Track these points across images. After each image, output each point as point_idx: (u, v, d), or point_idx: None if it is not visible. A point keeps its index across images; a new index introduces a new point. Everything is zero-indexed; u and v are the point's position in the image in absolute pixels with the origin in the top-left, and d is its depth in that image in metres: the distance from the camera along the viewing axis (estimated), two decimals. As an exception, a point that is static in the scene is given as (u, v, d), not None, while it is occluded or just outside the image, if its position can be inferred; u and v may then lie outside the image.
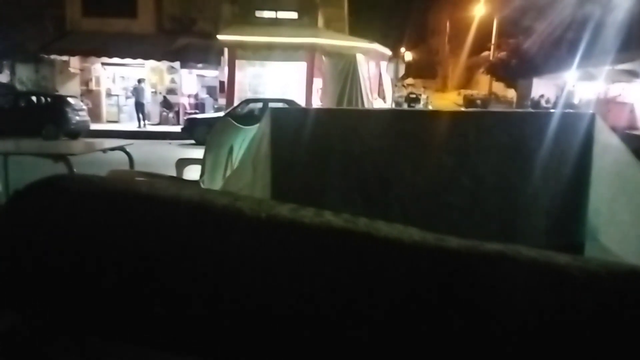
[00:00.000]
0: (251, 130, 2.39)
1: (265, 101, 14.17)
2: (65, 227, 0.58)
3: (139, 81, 17.61)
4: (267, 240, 0.56)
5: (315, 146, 2.06)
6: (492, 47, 28.92)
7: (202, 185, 2.89)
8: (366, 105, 16.53)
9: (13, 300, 0.58)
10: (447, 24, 46.47)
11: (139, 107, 17.22)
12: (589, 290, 0.49)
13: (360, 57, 16.83)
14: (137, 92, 17.30)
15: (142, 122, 17.22)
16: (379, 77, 19.43)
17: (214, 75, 18.80)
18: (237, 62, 16.87)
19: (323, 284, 0.54)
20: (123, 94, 19.28)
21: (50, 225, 0.58)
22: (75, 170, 3.02)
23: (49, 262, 0.57)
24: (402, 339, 0.51)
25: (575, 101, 18.57)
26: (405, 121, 2.21)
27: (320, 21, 19.06)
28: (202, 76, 19.71)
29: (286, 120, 2.09)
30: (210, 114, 16.64)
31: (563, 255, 0.55)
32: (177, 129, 15.72)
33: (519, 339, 0.49)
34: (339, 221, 0.59)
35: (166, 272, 0.56)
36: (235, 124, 2.83)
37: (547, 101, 20.63)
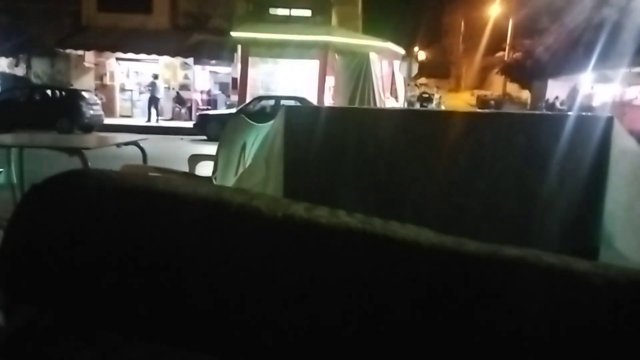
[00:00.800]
0: (264, 128, 2.39)
1: (278, 99, 14.19)
2: (83, 222, 0.58)
3: (155, 77, 17.74)
4: (284, 239, 0.56)
5: (329, 145, 2.05)
6: (507, 48, 28.68)
7: (215, 182, 2.89)
8: (378, 104, 16.49)
9: (29, 294, 0.58)
10: (462, 23, 46.16)
11: (154, 101, 17.36)
12: (610, 299, 0.48)
13: (373, 56, 16.79)
14: (153, 87, 17.43)
15: (153, 117, 17.34)
16: (392, 76, 19.37)
17: (227, 72, 18.88)
18: (250, 59, 16.92)
19: (339, 285, 0.53)
20: (137, 89, 19.44)
21: (68, 219, 0.58)
22: (89, 164, 3.04)
23: (66, 257, 0.57)
24: (418, 343, 0.51)
25: (595, 104, 18.25)
26: (420, 121, 2.19)
27: (334, 19, 19.03)
28: (215, 73, 19.80)
29: (300, 119, 2.09)
30: (222, 110, 16.71)
31: (583, 262, 0.54)
32: (190, 124, 15.81)
33: (538, 346, 0.48)
34: (355, 222, 0.58)
35: (183, 269, 0.56)
36: (249, 121, 2.83)
37: (562, 103, 20.42)
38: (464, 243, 0.56)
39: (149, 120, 17.24)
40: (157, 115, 17.55)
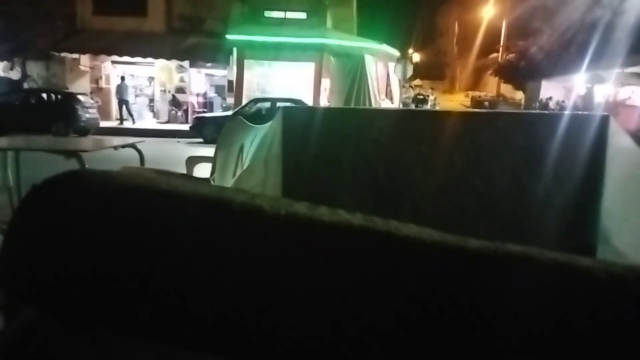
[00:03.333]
0: (262, 129, 2.39)
1: (274, 101, 14.19)
2: (85, 222, 0.58)
3: (122, 78, 17.72)
4: (287, 237, 0.56)
5: (327, 145, 2.06)
6: (500, 49, 28.79)
7: (213, 183, 2.89)
8: (374, 106, 16.50)
9: (30, 296, 0.58)
10: (456, 25, 46.30)
11: (123, 104, 17.34)
12: (615, 294, 0.48)
13: (368, 58, 16.81)
14: (120, 89, 17.39)
15: (123, 120, 17.30)
16: (387, 78, 19.40)
17: (223, 74, 18.87)
18: (245, 61, 16.91)
19: (343, 282, 0.53)
20: (132, 92, 19.40)
21: (70, 220, 0.58)
22: (86, 166, 3.03)
23: (68, 258, 0.57)
24: (423, 341, 0.51)
25: (595, 103, 18.03)
26: (417, 121, 2.20)
27: (329, 21, 19.06)
28: (211, 75, 19.78)
29: (298, 119, 2.09)
30: (218, 112, 16.70)
31: (586, 258, 0.54)
32: (186, 127, 15.79)
33: (544, 343, 0.48)
34: (357, 220, 0.58)
35: (186, 268, 0.56)
36: (247, 122, 2.83)
37: (557, 103, 20.50)
38: (467, 240, 0.56)
39: (121, 123, 17.19)
40: (132, 116, 17.49)
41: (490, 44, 32.88)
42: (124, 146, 3.79)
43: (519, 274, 0.50)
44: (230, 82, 17.77)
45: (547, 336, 0.47)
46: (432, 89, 38.20)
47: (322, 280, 0.52)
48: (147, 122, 18.50)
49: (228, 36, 16.63)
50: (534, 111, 12.67)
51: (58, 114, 14.03)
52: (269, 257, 0.53)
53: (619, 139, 1.97)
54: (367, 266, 0.52)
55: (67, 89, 17.45)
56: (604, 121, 2.02)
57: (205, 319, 0.53)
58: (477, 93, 35.86)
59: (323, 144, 2.05)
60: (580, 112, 2.47)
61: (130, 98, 17.93)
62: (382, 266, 0.52)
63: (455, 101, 36.98)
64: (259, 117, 9.29)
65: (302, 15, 18.41)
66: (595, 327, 0.45)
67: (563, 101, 20.86)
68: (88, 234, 0.56)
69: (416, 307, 0.50)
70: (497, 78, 29.01)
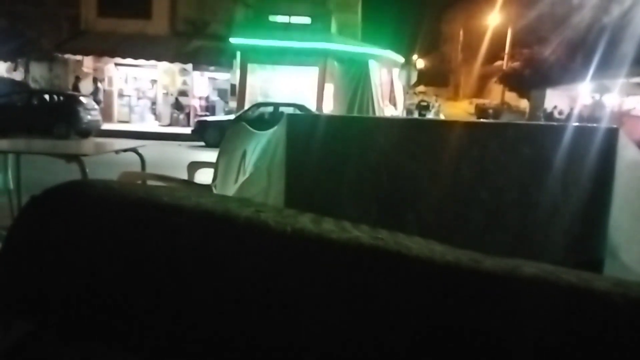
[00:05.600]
0: (264, 136, 2.37)
1: (276, 105, 14.21)
2: (83, 235, 0.56)
3: (95, 81, 17.91)
4: (294, 255, 0.54)
5: (331, 154, 2.03)
6: (505, 57, 28.83)
7: (215, 190, 2.87)
8: (377, 112, 16.53)
9: (28, 308, 0.56)
10: (461, 32, 46.44)
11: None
12: (631, 319, 0.46)
13: (372, 64, 16.84)
14: (96, 92, 17.46)
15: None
16: (391, 84, 19.43)
17: (226, 78, 18.92)
18: (249, 65, 16.96)
19: (352, 305, 0.51)
20: (135, 94, 19.47)
21: (68, 233, 0.56)
22: (87, 170, 3.01)
23: (66, 271, 0.55)
24: None
25: (602, 113, 17.84)
26: (423, 131, 2.18)
27: (334, 27, 19.11)
28: (214, 79, 19.85)
29: (302, 127, 2.06)
30: (220, 116, 16.72)
31: (603, 280, 0.52)
32: (188, 130, 15.81)
33: None
34: (366, 237, 0.56)
35: (187, 284, 0.54)
36: (250, 128, 2.81)
37: (560, 112, 20.50)
38: (479, 260, 0.54)
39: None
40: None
41: (495, 51, 32.95)
42: (125, 150, 3.77)
43: (533, 299, 0.48)
44: (233, 86, 17.81)
45: (561, 358, 0.45)
46: (436, 95, 38.21)
47: (330, 302, 0.50)
48: (148, 124, 18.53)
49: (232, 40, 16.67)
50: (541, 123, 12.69)
51: (60, 115, 14.06)
52: (275, 277, 0.51)
53: (628, 153, 1.94)
54: (376, 287, 0.50)
55: (70, 90, 17.49)
56: (613, 134, 1.99)
57: (206, 336, 0.51)
58: (481, 100, 35.90)
59: (327, 152, 2.03)
60: (589, 125, 2.45)
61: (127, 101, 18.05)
62: (392, 288, 0.50)
63: (459, 108, 37.04)
64: (261, 122, 9.30)
65: (307, 20, 18.46)
66: (610, 350, 0.44)
67: (555, 107, 20.83)
68: (85, 248, 0.54)
69: (427, 330, 0.48)
70: (501, 86, 29.06)
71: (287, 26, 18.16)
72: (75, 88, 17.41)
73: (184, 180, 3.10)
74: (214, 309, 0.53)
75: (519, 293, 0.50)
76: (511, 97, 29.37)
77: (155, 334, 0.54)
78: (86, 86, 18.56)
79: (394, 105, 19.70)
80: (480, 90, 41.39)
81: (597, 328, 0.46)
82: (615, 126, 2.04)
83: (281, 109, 13.46)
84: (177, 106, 18.95)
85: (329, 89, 16.87)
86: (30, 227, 0.58)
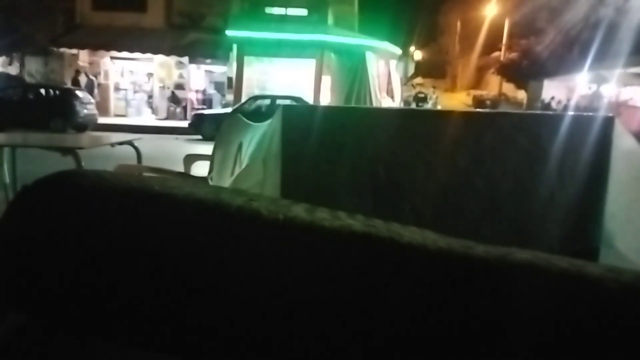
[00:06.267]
0: (261, 127, 2.36)
1: (273, 98, 14.18)
2: (75, 225, 0.55)
3: (87, 74, 17.79)
4: (286, 243, 0.53)
5: (327, 145, 2.03)
6: (503, 48, 28.78)
7: (211, 182, 2.87)
8: (374, 104, 16.51)
9: (20, 300, 0.56)
10: (458, 23, 46.27)
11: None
12: (624, 304, 0.46)
13: (369, 55, 16.79)
14: (90, 86, 17.43)
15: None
16: (388, 76, 19.39)
17: (222, 71, 18.85)
18: (245, 58, 16.90)
19: (344, 290, 0.51)
20: (131, 88, 19.39)
21: (60, 222, 0.56)
22: (83, 163, 3.01)
23: (58, 261, 0.55)
24: (426, 349, 0.49)
25: (600, 103, 17.73)
26: (419, 121, 2.18)
27: (330, 18, 19.03)
28: (210, 72, 19.77)
29: (298, 118, 2.06)
30: (217, 109, 16.67)
31: (595, 266, 0.52)
32: (185, 124, 15.76)
33: (550, 354, 0.46)
34: (359, 225, 0.56)
35: (179, 273, 0.54)
36: (245, 120, 2.80)
37: (558, 102, 20.50)
38: (471, 246, 0.54)
39: None
40: None
41: (493, 42, 32.86)
42: (121, 143, 3.77)
43: (525, 284, 0.48)
44: (229, 79, 17.75)
45: (553, 347, 0.45)
46: (433, 87, 38.14)
47: (321, 288, 0.50)
48: (145, 118, 18.48)
49: (228, 32, 16.59)
50: (537, 112, 12.68)
51: (56, 109, 14.01)
52: (267, 264, 0.51)
53: (623, 141, 1.94)
54: (368, 274, 0.50)
55: (65, 84, 17.41)
56: (609, 123, 1.99)
57: (198, 325, 0.51)
58: (479, 92, 35.86)
59: (323, 143, 2.02)
60: (584, 114, 2.45)
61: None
62: (384, 274, 0.50)
63: (457, 100, 37.00)
64: (258, 115, 9.27)
65: (303, 11, 18.37)
66: (603, 336, 0.45)
67: (552, 98, 20.80)
68: (77, 237, 0.54)
69: (419, 316, 0.48)
70: (499, 77, 29.03)
71: (284, 18, 18.07)
72: (75, 82, 17.34)
73: (179, 173, 3.10)
74: (206, 298, 0.53)
75: (511, 278, 0.50)
76: (509, 88, 29.36)
77: (146, 324, 0.54)
78: (81, 80, 18.50)
79: (392, 97, 19.67)
80: (478, 81, 41.32)
81: (590, 313, 0.46)
82: (611, 115, 2.04)
83: (278, 101, 13.43)
84: (174, 99, 18.89)
85: (326, 81, 16.82)
86: (21, 217, 0.57)
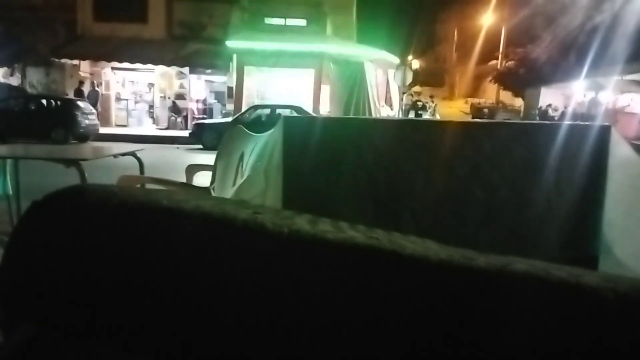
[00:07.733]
0: (262, 138, 2.38)
1: (274, 107, 14.20)
2: (85, 240, 0.57)
3: (92, 84, 17.96)
4: (291, 257, 0.55)
5: (328, 155, 2.05)
6: (500, 56, 28.87)
7: (213, 193, 2.88)
8: (373, 113, 16.54)
9: (30, 313, 0.57)
10: (455, 32, 46.46)
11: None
12: (621, 314, 0.47)
13: (368, 65, 16.85)
14: (95, 97, 17.50)
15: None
16: (387, 85, 19.44)
17: (223, 80, 18.90)
18: (245, 68, 16.96)
19: (348, 303, 0.52)
20: (132, 98, 19.44)
21: (70, 237, 0.57)
22: (86, 174, 3.03)
23: (68, 276, 0.56)
24: None
25: (598, 110, 17.65)
26: (418, 131, 2.20)
27: (329, 28, 19.12)
28: (211, 82, 19.83)
29: (299, 129, 2.08)
30: (218, 119, 16.70)
31: (593, 275, 0.53)
32: (185, 133, 15.79)
33: None
34: (361, 237, 0.57)
35: (187, 287, 0.55)
36: (247, 131, 2.82)
37: (555, 109, 20.53)
38: (473, 257, 0.55)
39: None
40: None
41: (490, 50, 33.00)
42: (123, 154, 3.78)
43: (525, 295, 0.50)
44: (230, 89, 17.80)
45: (552, 355, 0.46)
46: (431, 95, 38.23)
47: (326, 302, 0.51)
48: (146, 128, 18.51)
49: (228, 43, 16.67)
50: (535, 121, 12.70)
51: (57, 120, 14.03)
52: (273, 278, 0.52)
53: (620, 150, 1.96)
54: (372, 287, 0.51)
55: (67, 95, 17.46)
56: (606, 131, 2.01)
57: (205, 339, 0.52)
58: (476, 100, 35.92)
59: (324, 153, 2.04)
60: (581, 123, 2.47)
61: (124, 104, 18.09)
62: (387, 287, 0.51)
63: (455, 108, 37.06)
64: (258, 124, 9.29)
65: (302, 22, 18.47)
66: (600, 347, 0.45)
67: (549, 105, 20.84)
68: (88, 252, 0.55)
69: (422, 329, 0.49)
70: (496, 85, 29.08)
71: (283, 28, 18.17)
72: (79, 93, 17.39)
73: (182, 183, 3.12)
74: (213, 311, 0.54)
75: (511, 289, 0.51)
76: (506, 95, 29.40)
77: (156, 336, 0.55)
78: (87, 91, 18.55)
79: (390, 106, 19.71)
80: (476, 89, 41.42)
81: (588, 322, 0.46)
82: (607, 124, 2.06)
83: (278, 110, 13.46)
84: (175, 109, 18.93)
85: (326, 90, 16.87)
86: (32, 232, 0.58)
